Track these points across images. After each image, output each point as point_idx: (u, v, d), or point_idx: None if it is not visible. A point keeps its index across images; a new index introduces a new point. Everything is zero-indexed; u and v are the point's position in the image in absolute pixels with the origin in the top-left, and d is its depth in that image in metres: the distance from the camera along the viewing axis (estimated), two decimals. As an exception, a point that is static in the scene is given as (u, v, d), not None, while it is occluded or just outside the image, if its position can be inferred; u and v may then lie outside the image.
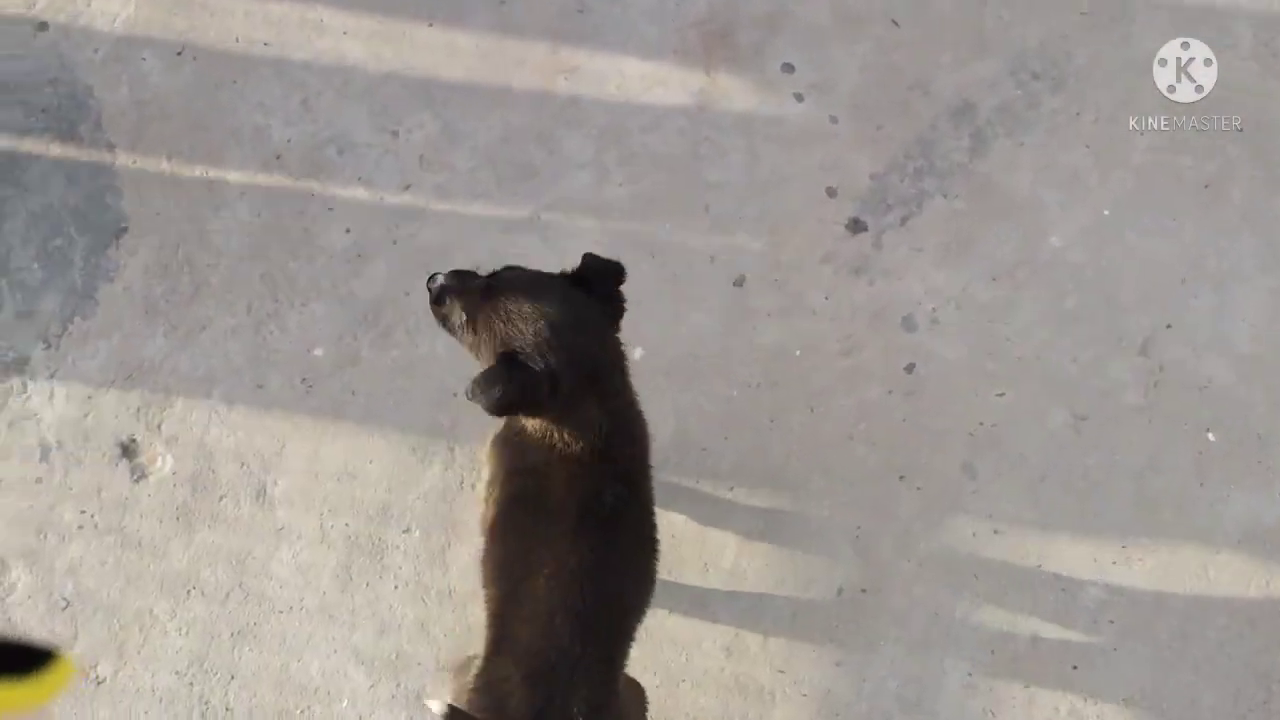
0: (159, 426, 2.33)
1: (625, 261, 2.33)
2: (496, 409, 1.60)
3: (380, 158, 2.55)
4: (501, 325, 1.65)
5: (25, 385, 2.35)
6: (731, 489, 2.27)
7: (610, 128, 2.58)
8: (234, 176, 2.53)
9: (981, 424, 2.32)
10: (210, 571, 2.23)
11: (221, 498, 2.28)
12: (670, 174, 2.55)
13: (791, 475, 2.31)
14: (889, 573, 2.27)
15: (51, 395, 2.35)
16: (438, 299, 1.77)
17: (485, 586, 1.77)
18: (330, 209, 2.50)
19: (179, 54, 2.60)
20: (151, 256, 2.46)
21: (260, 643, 2.20)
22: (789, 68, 2.61)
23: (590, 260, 1.76)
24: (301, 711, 2.16)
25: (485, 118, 2.60)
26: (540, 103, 2.61)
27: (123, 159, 2.53)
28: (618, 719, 1.76)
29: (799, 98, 2.58)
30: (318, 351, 2.38)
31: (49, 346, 2.38)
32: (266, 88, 2.60)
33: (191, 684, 2.17)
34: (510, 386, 1.59)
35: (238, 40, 2.62)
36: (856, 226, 2.48)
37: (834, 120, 2.56)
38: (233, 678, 2.17)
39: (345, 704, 2.17)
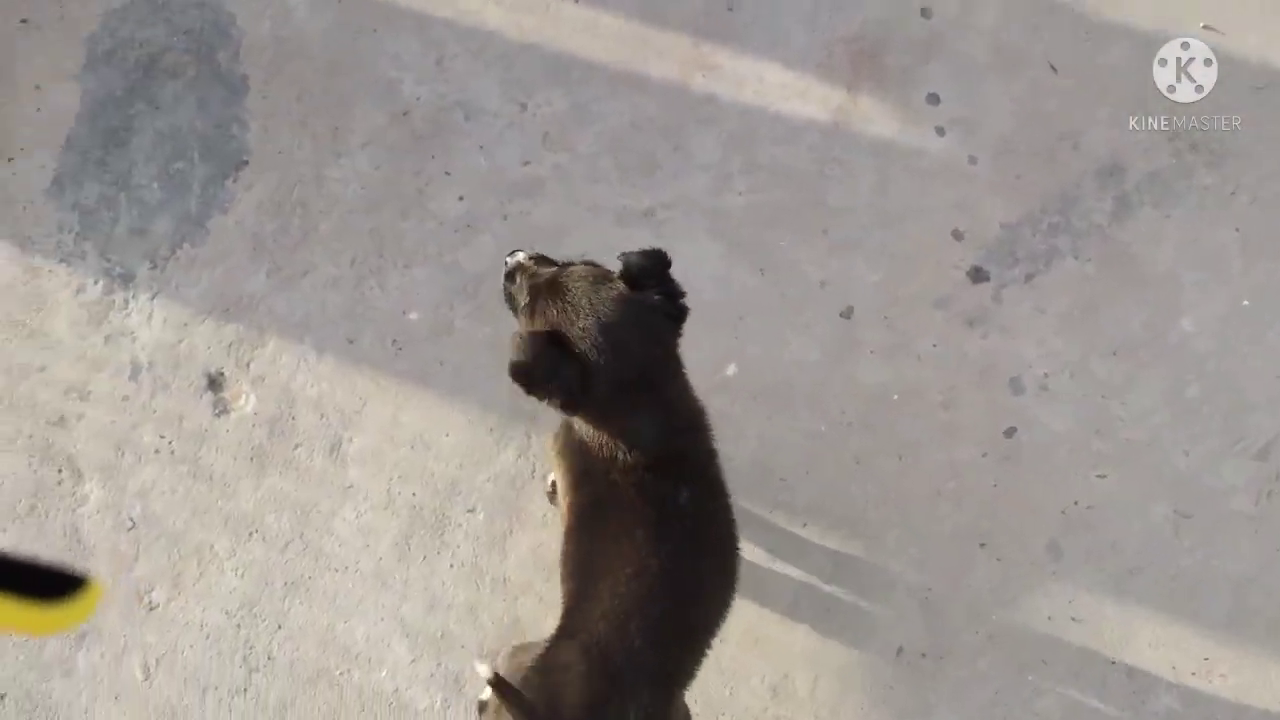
0: (248, 365, 2.50)
1: (732, 274, 2.48)
2: (516, 375, 1.72)
3: (505, 129, 2.69)
4: (555, 313, 1.79)
5: (127, 302, 2.55)
6: (805, 525, 2.39)
7: (740, 133, 2.72)
8: (359, 126, 2.73)
9: (1076, 503, 2.38)
10: (274, 517, 2.40)
11: (297, 446, 2.44)
12: (793, 190, 2.69)
13: (869, 523, 2.44)
14: (954, 641, 2.35)
15: (150, 316, 2.54)
16: (510, 275, 1.93)
17: (563, 582, 1.93)
18: (448, 173, 2.64)
19: (324, -3, 2.74)
20: (267, 194, 2.66)
21: (311, 597, 2.38)
22: (935, 98, 2.66)
23: (629, 259, 1.83)
24: (341, 673, 2.32)
25: (617, 103, 2.78)
26: (674, 96, 2.77)
27: (255, 92, 2.75)
28: None
29: (940, 131, 2.64)
30: (413, 315, 2.53)
31: (155, 268, 2.58)
32: (405, 41, 2.78)
33: (239, 626, 2.36)
34: (537, 360, 1.72)
35: (383, -9, 2.74)
36: (978, 275, 2.53)
37: (973, 160, 2.62)
38: (280, 627, 2.36)
39: (384, 674, 2.33)
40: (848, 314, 2.59)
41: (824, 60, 2.80)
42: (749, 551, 2.38)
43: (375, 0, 2.84)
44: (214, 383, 2.57)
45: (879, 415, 2.52)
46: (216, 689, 2.35)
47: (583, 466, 1.88)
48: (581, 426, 1.85)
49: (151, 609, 2.41)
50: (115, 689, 2.35)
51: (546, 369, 1.72)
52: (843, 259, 2.64)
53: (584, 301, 1.75)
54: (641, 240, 2.57)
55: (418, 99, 2.79)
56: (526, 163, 2.74)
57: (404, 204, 2.71)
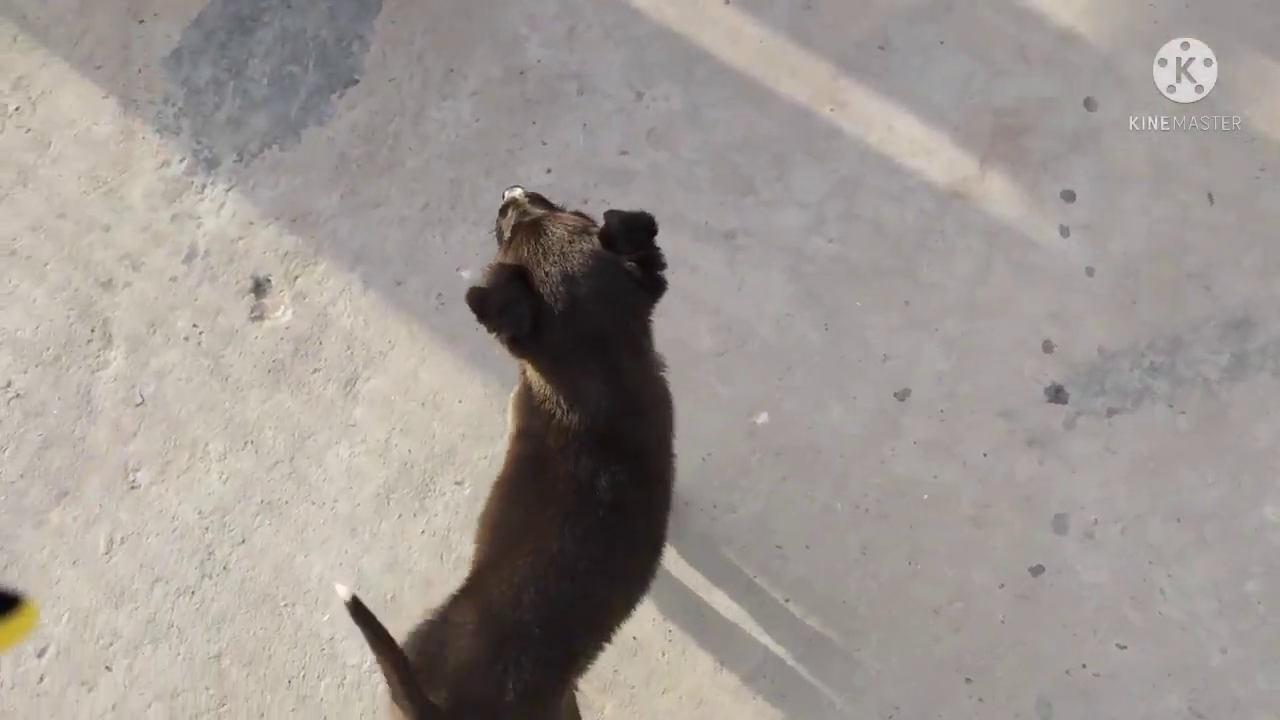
0: (295, 279, 2.69)
1: (795, 320, 2.50)
2: (471, 299, 1.80)
3: (614, 113, 2.83)
4: (527, 252, 1.88)
5: (204, 188, 2.76)
6: (788, 600, 2.37)
7: (851, 177, 2.81)
8: (473, 74, 2.90)
9: (1084, 667, 2.35)
10: (272, 434, 2.58)
11: (315, 370, 2.61)
12: (887, 251, 2.76)
13: (856, 617, 2.49)
14: (910, 771, 2.26)
15: (221, 207, 2.75)
16: (503, 209, 2.04)
17: (476, 538, 2.05)
18: (544, 143, 2.76)
19: (474, -62, 2.89)
20: (366, 118, 2.85)
21: (282, 522, 2.58)
22: (1070, 195, 2.64)
23: (614, 217, 1.88)
24: (286, 605, 2.48)
25: (733, 115, 2.90)
26: (795, 123, 2.89)
27: (385, 15, 3.00)
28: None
29: (1064, 231, 2.61)
30: (464, 274, 2.66)
31: (240, 161, 2.78)
32: (544, 1, 2.81)
33: (206, 529, 2.56)
34: (495, 290, 1.79)
35: (533, -55, 2.87)
36: (1057, 395, 2.51)
37: (1090, 272, 2.59)
38: (243, 542, 2.56)
39: (326, 619, 2.48)
40: (902, 395, 2.62)
41: (964, 125, 2.85)
42: (725, 604, 2.49)
43: (522, -48, 3.03)
44: (259, 287, 2.79)
45: (901, 511, 2.55)
46: (166, 583, 2.57)
47: (527, 421, 1.98)
48: (533, 376, 1.95)
49: (133, 488, 2.63)
50: (75, 554, 2.61)
51: (501, 301, 1.81)
52: (915, 338, 2.68)
53: (556, 247, 1.85)
54: (713, 261, 2.73)
55: (538, 61, 2.93)
56: (624, 152, 2.83)
57: (491, 162, 2.87)
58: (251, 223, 2.83)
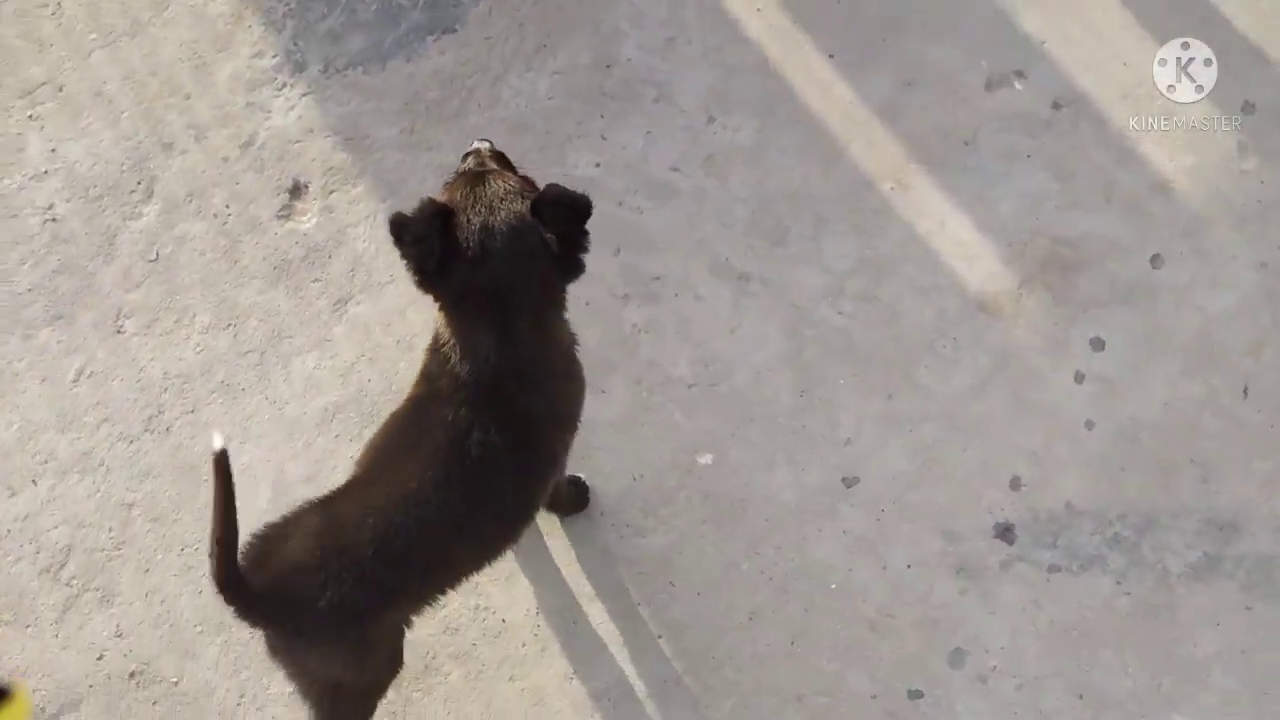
0: (330, 193, 3.06)
1: (773, 375, 2.79)
2: (391, 223, 2.04)
3: (680, 129, 3.14)
4: (459, 197, 2.11)
5: (284, 87, 3.14)
6: (660, 637, 2.58)
7: (884, 259, 2.95)
8: (562, 54, 3.25)
9: None
10: (255, 324, 3.00)
11: (315, 280, 2.96)
12: (891, 340, 2.87)
13: (718, 677, 2.58)
14: None
15: (292, 109, 3.13)
16: (465, 155, 2.29)
17: (358, 460, 2.28)
18: (603, 138, 3.03)
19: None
20: (449, 67, 3.25)
21: (233, 405, 2.96)
22: (1099, 344, 2.73)
23: (553, 190, 2.08)
24: (206, 480, 2.61)
25: (795, 165, 3.08)
26: (853, 189, 3.03)
27: None
28: (356, 644, 2.17)
29: (1078, 378, 2.72)
30: None
31: (324, 72, 3.17)
32: (654, 3, 3.21)
33: (165, 390, 2.97)
34: (415, 220, 2.01)
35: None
36: (1004, 534, 2.65)
37: (1089, 425, 2.73)
38: (192, 411, 2.93)
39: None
40: (850, 482, 2.75)
41: (1019, 242, 2.94)
42: (600, 619, 2.63)
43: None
44: (295, 189, 3.14)
45: (804, 591, 2.67)
46: (113, 425, 2.92)
47: (429, 362, 2.22)
48: (439, 318, 2.18)
49: (118, 332, 3.04)
50: (47, 374, 3.01)
51: (418, 232, 2.05)
52: (885, 432, 2.79)
53: (487, 200, 2.08)
54: (718, 295, 2.88)
55: (628, 59, 3.21)
56: (675, 169, 3.06)
57: (548, 141, 3.18)
58: (312, 130, 3.19)
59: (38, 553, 2.79)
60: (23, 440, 2.91)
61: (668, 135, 3.11)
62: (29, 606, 2.79)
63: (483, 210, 2.06)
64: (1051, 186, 3.00)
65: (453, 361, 2.12)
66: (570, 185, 2.96)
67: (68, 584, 2.76)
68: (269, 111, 3.20)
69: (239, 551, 2.11)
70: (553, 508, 2.71)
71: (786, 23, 3.22)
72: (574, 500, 2.75)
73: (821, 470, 2.77)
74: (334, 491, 2.23)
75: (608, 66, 3.20)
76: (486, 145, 2.29)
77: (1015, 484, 2.70)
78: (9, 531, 2.81)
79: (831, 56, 3.16)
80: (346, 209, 3.08)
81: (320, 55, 3.25)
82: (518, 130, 3.15)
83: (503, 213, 2.06)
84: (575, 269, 2.13)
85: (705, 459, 2.77)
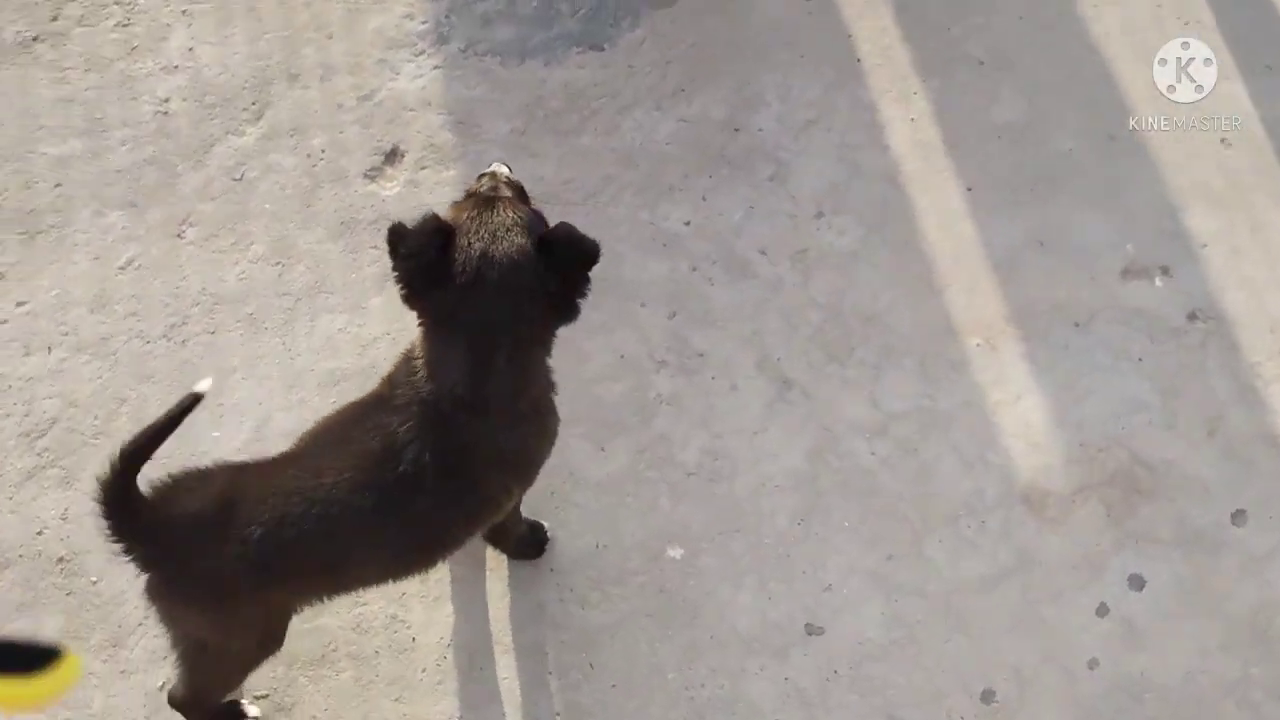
0: (422, 168, 3.16)
1: (777, 498, 2.70)
2: (390, 232, 2.00)
3: (783, 215, 2.94)
4: (464, 218, 2.03)
5: (421, 53, 3.27)
6: (558, 715, 2.43)
7: (940, 414, 2.74)
8: (697, 104, 3.13)
9: None
10: (303, 270, 2.95)
11: (374, 247, 3.02)
12: (914, 501, 2.64)
13: None
14: None
15: (419, 76, 3.26)
16: (480, 175, 2.20)
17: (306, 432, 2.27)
18: (703, 199, 3.01)
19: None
20: (582, 82, 3.21)
21: (251, 340, 2.86)
22: (1138, 583, 2.56)
23: (563, 230, 2.04)
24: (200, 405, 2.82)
25: (884, 288, 2.88)
26: (935, 332, 2.85)
27: (669, 12, 3.21)
28: (226, 616, 2.10)
29: (1101, 611, 2.54)
30: None
31: (463, 52, 3.27)
32: (804, 85, 3.11)
33: (197, 304, 2.92)
34: (414, 234, 1.98)
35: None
36: None
37: (1092, 665, 2.47)
38: (212, 333, 2.88)
39: (217, 434, 2.76)
40: (813, 631, 2.52)
41: (1091, 446, 2.70)
42: (505, 672, 2.49)
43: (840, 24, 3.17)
44: (391, 155, 3.14)
45: (734, 715, 2.49)
46: (138, 320, 2.91)
47: (397, 368, 2.15)
48: (418, 332, 2.11)
49: (178, 236, 3.08)
50: (100, 254, 3.00)
51: (414, 246, 2.01)
52: (871, 591, 2.55)
53: (492, 227, 2.01)
54: (755, 393, 2.74)
55: (759, 129, 3.14)
56: (763, 252, 2.98)
57: (647, 184, 3.06)
58: (429, 103, 3.21)
59: (25, 415, 2.85)
60: (55, 308, 2.99)
61: (769, 216, 3.02)
62: None
63: (485, 236, 2.01)
64: (1152, 400, 2.77)
65: (419, 376, 2.07)
66: (653, 235, 3.08)
67: (39, 454, 2.81)
68: (397, 73, 3.23)
69: (152, 485, 2.09)
70: (499, 546, 2.63)
71: (936, 141, 3.10)
72: (528, 547, 2.65)
73: (788, 607, 2.60)
74: (258, 460, 2.21)
75: (736, 130, 3.12)
76: (505, 170, 2.24)
77: (988, 697, 2.47)
78: (9, 387, 2.88)
79: (970, 190, 3.01)
80: (431, 188, 3.09)
81: (466, 35, 3.29)
82: (623, 163, 3.11)
83: (505, 243, 2.01)
84: (569, 314, 2.09)
85: (675, 552, 2.64)
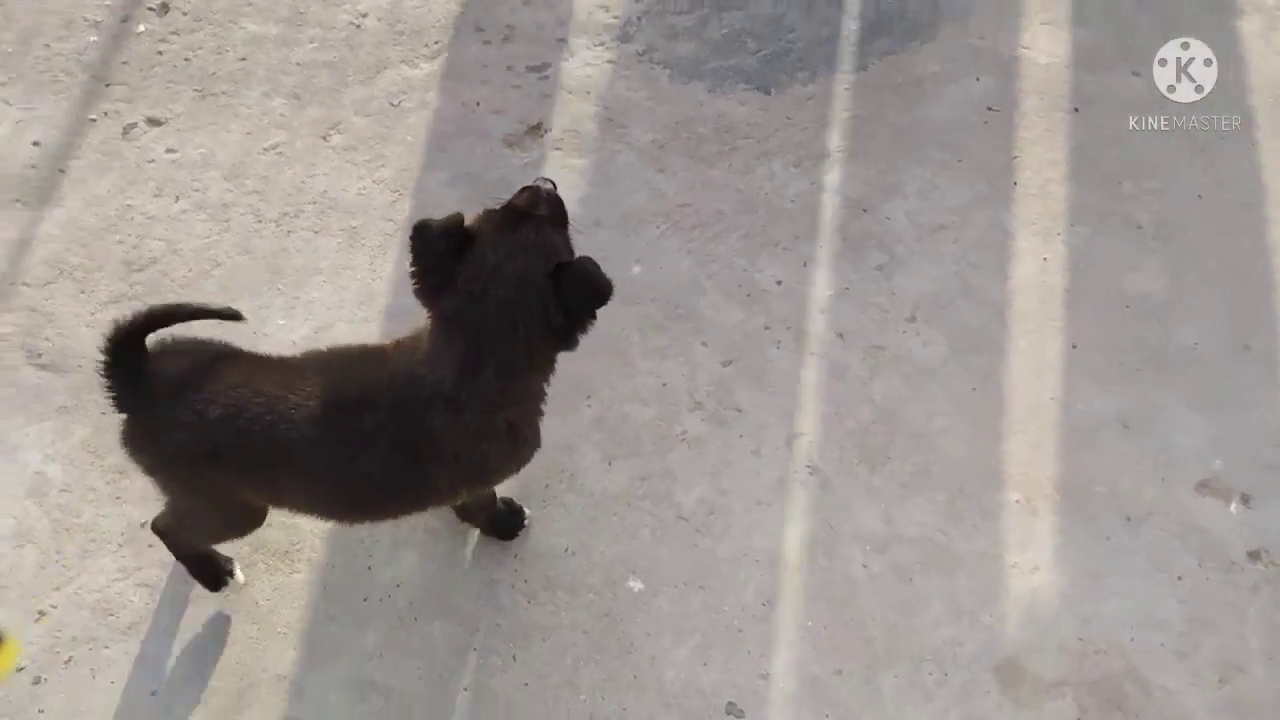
0: (555, 149, 3.15)
1: (752, 573, 2.67)
2: (415, 229, 2.01)
3: (875, 307, 2.89)
4: (490, 229, 2.03)
5: (599, 43, 3.40)
6: (465, 690, 2.45)
7: (947, 553, 2.60)
8: (835, 174, 3.07)
9: None
10: (413, 204, 3.05)
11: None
12: (887, 628, 2.53)
13: None
14: None
15: (589, 65, 3.33)
16: (524, 187, 2.18)
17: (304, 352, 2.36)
18: (804, 265, 2.92)
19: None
20: (736, 118, 3.19)
21: (346, 250, 3.01)
22: None
23: (584, 264, 2.02)
24: (280, 287, 2.95)
25: (947, 411, 2.77)
26: (977, 472, 2.70)
27: (855, 92, 3.22)
28: (186, 488, 2.24)
29: None
30: (636, 269, 2.91)
31: (639, 55, 3.37)
32: (954, 188, 3.02)
33: (312, 203, 3.10)
34: (438, 234, 2.00)
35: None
36: None
37: None
38: (317, 233, 3.02)
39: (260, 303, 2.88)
40: (734, 711, 2.43)
41: (1090, 642, 2.51)
42: (429, 637, 2.55)
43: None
44: (535, 129, 3.22)
45: None
46: (259, 201, 3.10)
47: (406, 340, 2.15)
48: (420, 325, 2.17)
49: (323, 139, 3.21)
50: (252, 130, 3.22)
51: (434, 248, 2.03)
52: (805, 694, 2.44)
53: (514, 242, 2.02)
54: (774, 461, 2.69)
55: (887, 218, 3.04)
56: (841, 335, 2.88)
57: (757, 232, 3.01)
58: (588, 92, 3.29)
59: (134, 247, 3.06)
60: (197, 164, 3.20)
61: (861, 303, 2.95)
62: (94, 278, 3.03)
63: (503, 252, 2.02)
64: (1176, 622, 2.55)
65: (417, 356, 2.12)
66: (742, 282, 3.07)
67: (131, 284, 3.01)
68: (571, 56, 3.35)
69: (158, 341, 2.19)
70: (468, 521, 2.66)
71: (1060, 288, 2.95)
72: (501, 527, 2.67)
73: (719, 680, 2.52)
74: (257, 354, 2.28)
75: (864, 210, 3.08)
76: (550, 186, 2.20)
77: None
78: (132, 218, 3.11)
79: (1074, 348, 2.87)
80: (557, 170, 3.14)
81: (648, 40, 3.38)
82: (743, 206, 3.11)
83: (521, 264, 2.02)
84: (569, 344, 2.09)
85: (636, 585, 2.60)
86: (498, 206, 2.15)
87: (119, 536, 2.71)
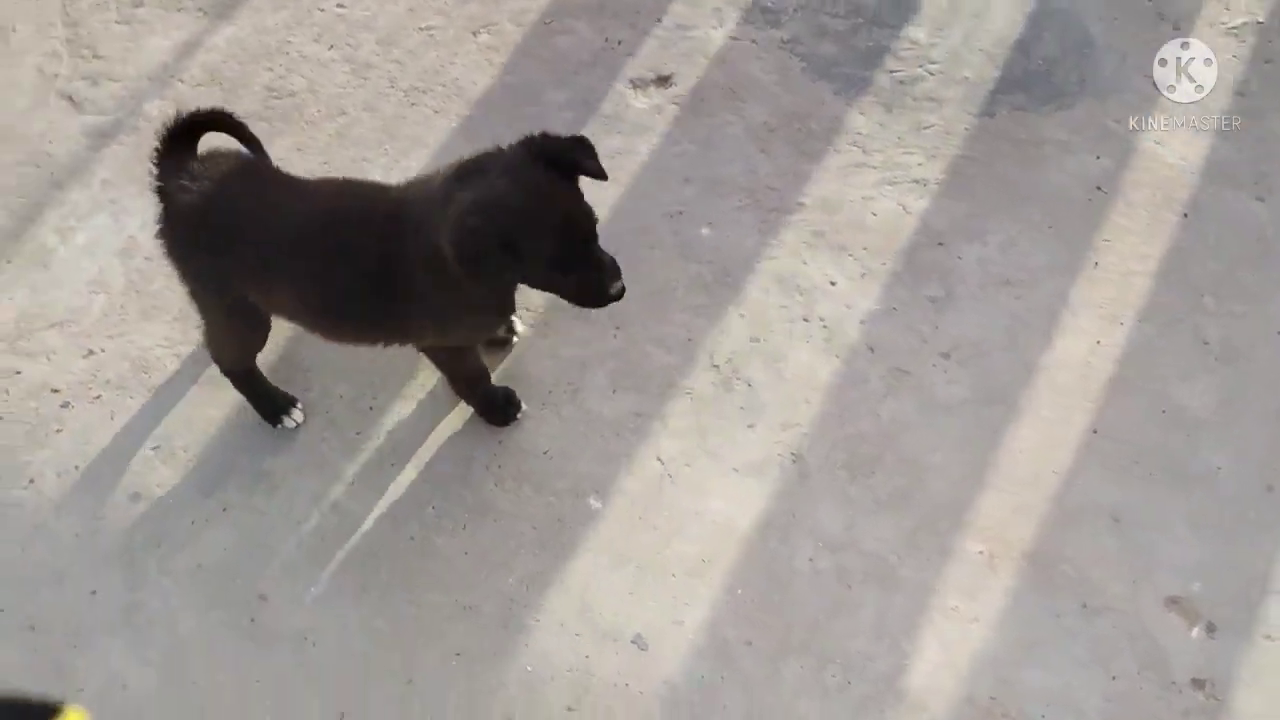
0: (674, 103, 3.25)
1: (693, 528, 2.75)
2: (498, 229, 2.16)
3: (912, 333, 2.88)
4: (504, 182, 2.19)
5: (762, 30, 3.48)
6: (392, 585, 2.59)
7: (890, 574, 2.62)
8: (938, 203, 3.05)
9: None
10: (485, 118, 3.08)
11: (578, 129, 3.13)
12: (786, 624, 2.58)
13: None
14: None
15: (732, 38, 3.36)
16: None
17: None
18: (861, 275, 2.94)
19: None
20: (848, 123, 3.20)
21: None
22: None
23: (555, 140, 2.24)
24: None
25: (944, 451, 2.77)
26: (947, 507, 2.68)
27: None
28: (208, 292, 2.49)
29: None
30: (705, 231, 3.01)
31: (781, 43, 3.42)
32: (1034, 250, 3.00)
33: (437, 88, 3.27)
34: (529, 242, 2.16)
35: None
36: None
37: None
38: (439, 114, 3.22)
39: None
40: (641, 646, 2.55)
41: (1000, 705, 2.48)
42: (403, 484, 2.73)
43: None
44: (661, 80, 3.30)
45: (521, 651, 2.58)
46: (400, 70, 3.29)
47: (416, 183, 2.39)
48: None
49: (473, 34, 3.37)
50: (415, 7, 3.43)
51: (490, 246, 2.14)
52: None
53: (523, 190, 2.17)
54: (769, 475, 2.76)
55: (958, 257, 3.00)
56: (871, 349, 2.88)
57: (828, 233, 3.04)
58: (723, 61, 3.31)
59: (280, 78, 3.31)
60: (358, 24, 3.37)
61: (902, 327, 2.94)
62: (238, 93, 3.28)
63: (510, 192, 2.15)
64: (1093, 718, 2.48)
65: (414, 192, 2.33)
66: (794, 273, 3.17)
67: (267, 106, 3.27)
68: (721, 24, 3.38)
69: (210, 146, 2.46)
70: (463, 398, 2.81)
71: (1104, 374, 2.85)
72: (494, 409, 2.80)
73: (636, 611, 2.60)
74: (287, 174, 2.51)
75: (939, 244, 3.07)
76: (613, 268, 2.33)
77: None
78: (286, 53, 3.33)
79: (1094, 432, 2.80)
80: (666, 124, 3.22)
81: (795, 31, 3.42)
82: (824, 206, 3.11)
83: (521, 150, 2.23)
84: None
85: (595, 504, 2.72)
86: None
87: (176, 311, 2.98)
